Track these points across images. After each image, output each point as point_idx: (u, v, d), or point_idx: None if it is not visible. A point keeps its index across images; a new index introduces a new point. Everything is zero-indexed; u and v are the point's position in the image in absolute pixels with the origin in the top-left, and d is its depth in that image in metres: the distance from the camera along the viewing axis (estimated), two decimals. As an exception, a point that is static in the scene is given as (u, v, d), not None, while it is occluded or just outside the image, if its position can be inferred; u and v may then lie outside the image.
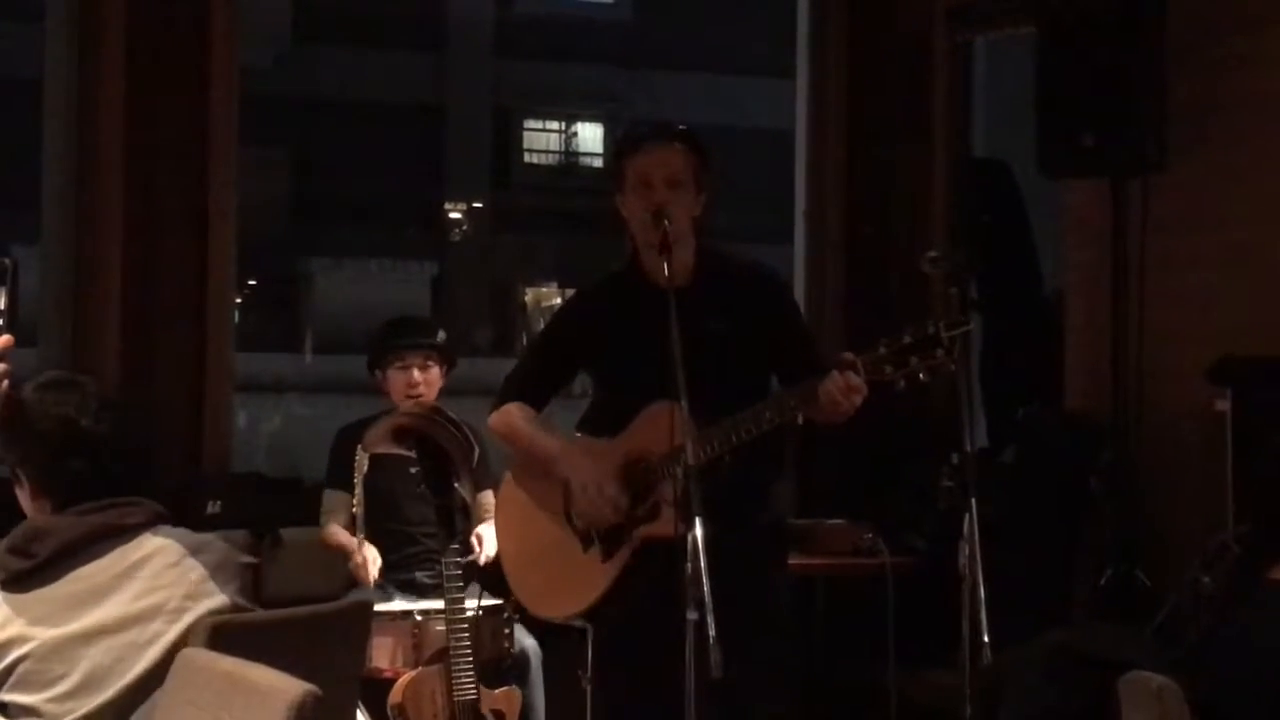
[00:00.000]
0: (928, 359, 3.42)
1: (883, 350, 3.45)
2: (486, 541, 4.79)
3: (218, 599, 2.98)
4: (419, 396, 5.04)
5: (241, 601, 3.03)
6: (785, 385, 3.64)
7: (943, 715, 4.25)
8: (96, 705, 2.85)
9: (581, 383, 4.03)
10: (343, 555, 4.94)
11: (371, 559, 4.80)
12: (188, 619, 2.94)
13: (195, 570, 2.98)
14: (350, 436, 4.96)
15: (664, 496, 3.59)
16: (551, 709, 4.89)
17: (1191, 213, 5.25)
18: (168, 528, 3.02)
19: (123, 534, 2.95)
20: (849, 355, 3.48)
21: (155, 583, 2.93)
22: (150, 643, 2.90)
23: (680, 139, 3.73)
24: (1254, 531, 4.18)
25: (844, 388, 3.44)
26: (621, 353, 3.75)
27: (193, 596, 2.96)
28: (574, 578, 3.74)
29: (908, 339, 3.43)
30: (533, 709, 4.81)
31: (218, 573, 3.01)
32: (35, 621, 2.86)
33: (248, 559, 3.15)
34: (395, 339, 5.18)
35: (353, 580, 5.00)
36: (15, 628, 2.86)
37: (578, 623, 3.95)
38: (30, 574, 2.89)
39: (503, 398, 3.89)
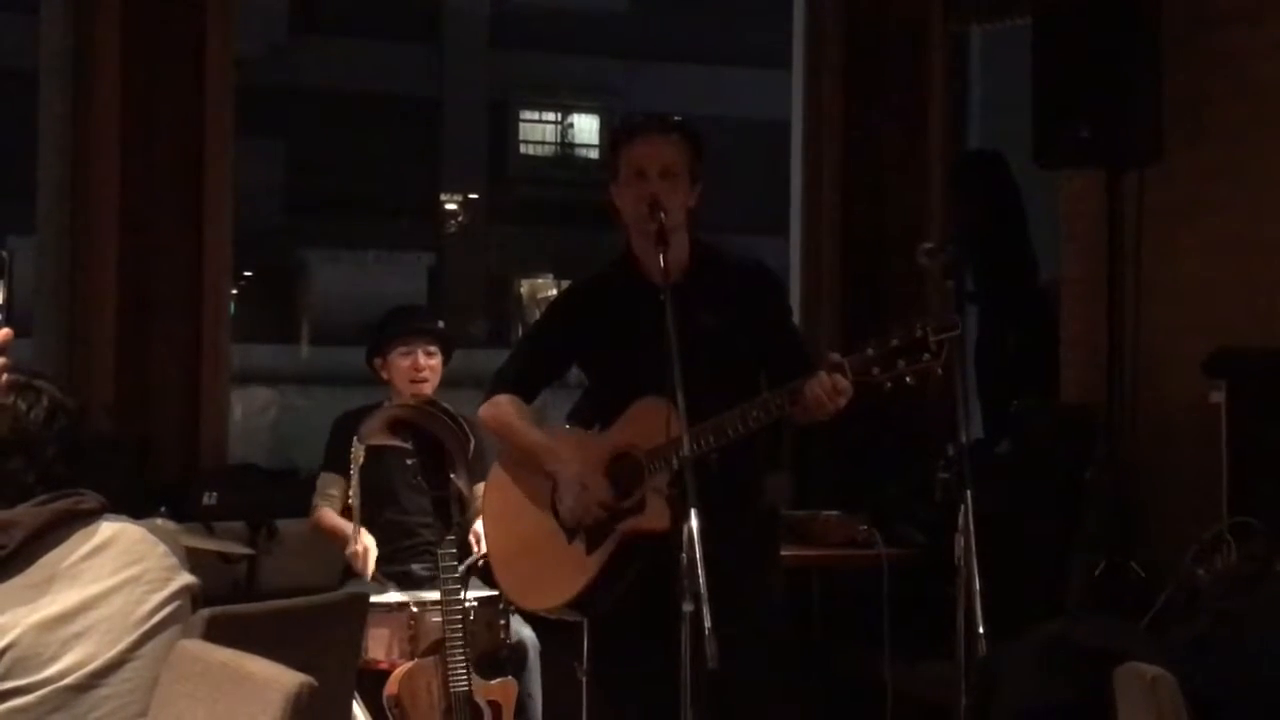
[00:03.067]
0: (914, 363, 3.41)
1: (870, 352, 3.45)
2: (485, 539, 4.79)
3: (188, 576, 3.04)
4: (424, 382, 5.04)
5: (201, 584, 3.09)
6: (771, 383, 3.64)
7: (938, 707, 4.26)
8: (89, 670, 2.88)
9: (577, 373, 4.03)
10: (337, 539, 4.93)
11: (370, 548, 4.80)
12: (172, 588, 2.98)
13: (162, 546, 3.04)
14: (349, 423, 4.95)
15: (650, 490, 3.60)
16: (549, 700, 4.89)
17: (1187, 204, 5.25)
18: (112, 515, 3.06)
19: (80, 519, 2.99)
20: (836, 357, 3.48)
21: (129, 557, 2.97)
22: (136, 608, 2.93)
23: (676, 130, 3.73)
24: (1267, 525, 4.20)
25: (829, 389, 3.44)
26: (615, 346, 3.75)
27: (169, 568, 3.02)
28: (558, 569, 3.74)
29: (895, 342, 3.43)
30: (530, 700, 4.82)
31: (176, 553, 3.08)
32: (15, 610, 2.89)
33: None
34: (400, 324, 5.19)
35: (349, 571, 5.00)
36: None
37: (568, 616, 3.94)
38: (2, 564, 2.93)
39: (494, 389, 3.89)
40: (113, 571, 2.96)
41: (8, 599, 2.90)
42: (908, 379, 3.43)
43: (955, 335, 3.42)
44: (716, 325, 3.65)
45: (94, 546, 2.98)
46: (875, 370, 3.43)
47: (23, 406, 3.03)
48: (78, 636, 2.89)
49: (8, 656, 2.86)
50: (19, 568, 2.93)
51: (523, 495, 3.83)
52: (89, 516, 3.01)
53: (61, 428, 3.05)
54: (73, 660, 2.88)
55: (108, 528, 3.02)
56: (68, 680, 2.87)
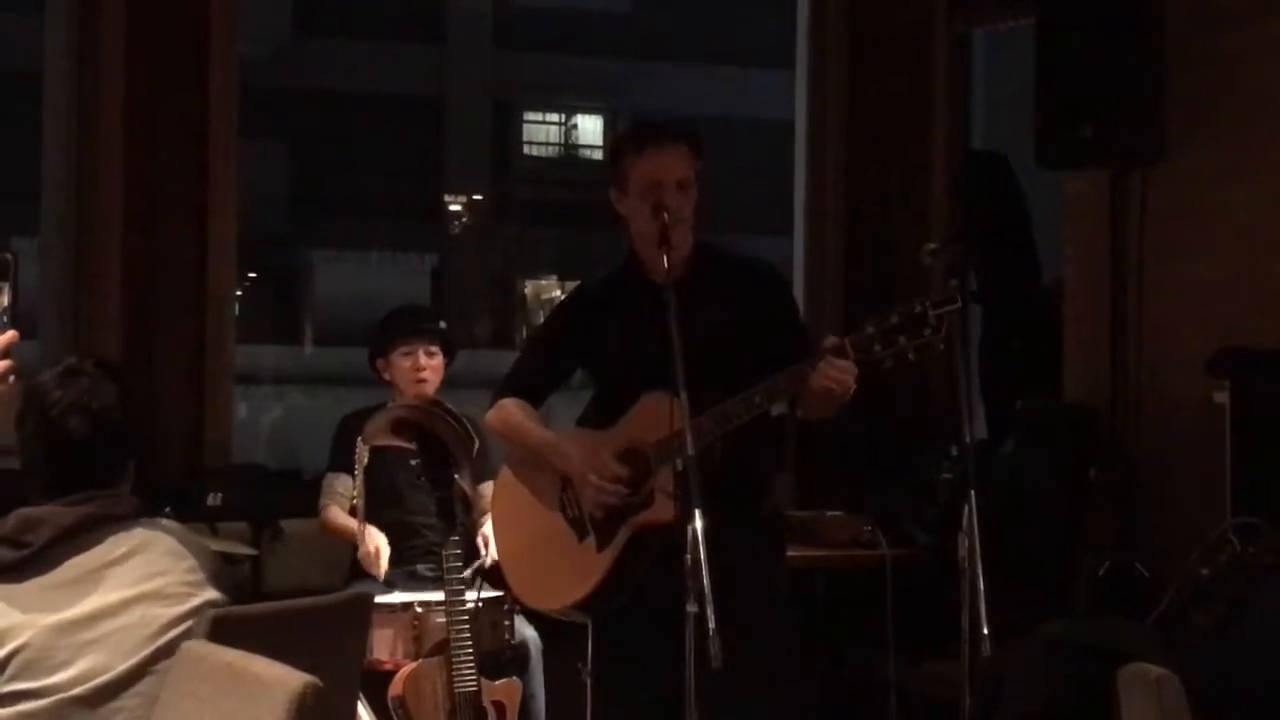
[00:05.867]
0: (915, 338, 3.42)
1: (870, 330, 3.45)
2: (492, 544, 4.79)
3: (211, 592, 3.00)
4: (424, 382, 5.05)
5: (228, 599, 3.06)
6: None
7: (942, 707, 4.26)
8: (101, 682, 2.87)
9: (580, 375, 4.03)
10: (346, 539, 4.93)
11: (381, 547, 4.80)
12: (191, 604, 2.96)
13: (189, 560, 3.01)
14: (354, 424, 4.96)
15: (658, 484, 3.60)
16: (552, 701, 4.89)
17: (1191, 204, 5.25)
18: (147, 520, 3.04)
19: (113, 522, 2.96)
20: (834, 339, 3.49)
21: (153, 569, 2.95)
22: (152, 623, 2.91)
23: (684, 139, 3.73)
24: (1271, 525, 4.19)
25: (832, 375, 3.44)
26: (620, 348, 3.75)
27: (191, 584, 2.98)
28: (569, 568, 3.74)
29: (895, 319, 3.43)
30: (533, 699, 4.82)
31: (205, 567, 3.04)
32: (32, 610, 2.87)
33: (214, 547, 3.19)
34: (401, 325, 5.19)
35: (354, 571, 5.01)
36: (11, 618, 2.87)
37: (576, 617, 3.94)
38: (25, 563, 2.91)
39: (500, 394, 3.90)
40: (134, 581, 2.93)
41: (29, 599, 2.88)
42: (910, 355, 3.43)
43: (955, 309, 3.42)
44: (720, 323, 3.65)
45: (122, 553, 2.94)
46: (876, 348, 3.44)
47: (64, 402, 2.97)
48: (90, 644, 2.87)
49: (19, 658, 2.84)
50: (43, 568, 2.91)
51: (531, 495, 3.83)
52: (122, 520, 2.97)
53: (95, 425, 2.99)
54: (83, 668, 2.86)
55: (140, 534, 2.98)
56: (77, 691, 2.85)
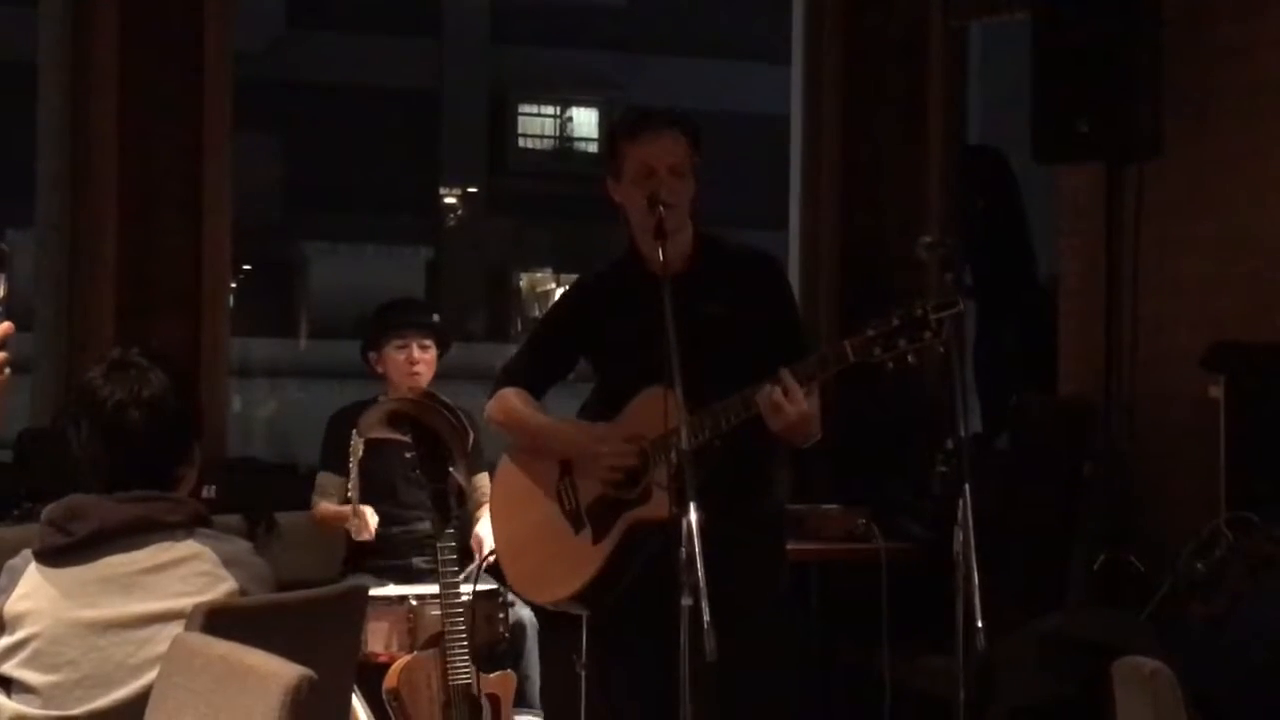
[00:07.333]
0: (915, 341, 3.42)
1: (871, 333, 3.46)
2: (485, 544, 4.78)
3: None
4: (418, 375, 5.04)
5: None
6: (771, 372, 3.61)
7: (937, 700, 4.27)
8: (104, 704, 2.85)
9: (579, 369, 4.02)
10: (338, 524, 4.92)
11: (367, 511, 4.79)
12: None
13: (227, 583, 2.96)
14: (345, 419, 4.95)
15: (655, 480, 3.60)
16: (547, 692, 4.89)
17: (1187, 199, 5.25)
18: (205, 531, 2.99)
19: (162, 529, 2.92)
20: (782, 370, 3.47)
21: (184, 587, 2.90)
22: (162, 644, 2.86)
23: (679, 125, 3.72)
24: (1265, 520, 4.19)
25: (768, 404, 3.44)
26: (620, 340, 3.75)
27: None
28: (565, 560, 3.73)
29: (895, 321, 3.44)
30: (528, 680, 4.82)
31: (249, 588, 3.00)
32: (58, 599, 2.85)
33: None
34: (395, 318, 5.19)
35: (348, 564, 5.01)
36: (37, 600, 2.85)
37: (573, 609, 3.94)
38: (64, 551, 2.88)
39: (500, 385, 3.89)
40: (160, 597, 2.88)
41: (58, 587, 2.85)
42: (909, 358, 3.43)
43: (955, 312, 3.43)
44: (720, 314, 3.64)
45: (160, 563, 2.89)
46: (877, 350, 3.44)
47: (116, 396, 2.92)
48: (97, 651, 2.83)
49: (32, 645, 2.83)
50: (78, 560, 2.87)
51: (529, 487, 3.82)
52: (173, 529, 2.92)
53: (146, 418, 2.94)
54: (85, 671, 2.82)
55: (187, 547, 2.92)
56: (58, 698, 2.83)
